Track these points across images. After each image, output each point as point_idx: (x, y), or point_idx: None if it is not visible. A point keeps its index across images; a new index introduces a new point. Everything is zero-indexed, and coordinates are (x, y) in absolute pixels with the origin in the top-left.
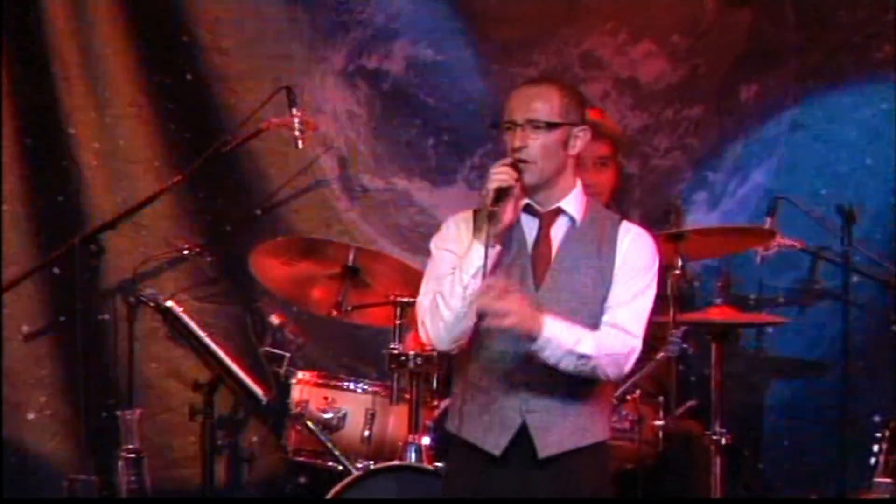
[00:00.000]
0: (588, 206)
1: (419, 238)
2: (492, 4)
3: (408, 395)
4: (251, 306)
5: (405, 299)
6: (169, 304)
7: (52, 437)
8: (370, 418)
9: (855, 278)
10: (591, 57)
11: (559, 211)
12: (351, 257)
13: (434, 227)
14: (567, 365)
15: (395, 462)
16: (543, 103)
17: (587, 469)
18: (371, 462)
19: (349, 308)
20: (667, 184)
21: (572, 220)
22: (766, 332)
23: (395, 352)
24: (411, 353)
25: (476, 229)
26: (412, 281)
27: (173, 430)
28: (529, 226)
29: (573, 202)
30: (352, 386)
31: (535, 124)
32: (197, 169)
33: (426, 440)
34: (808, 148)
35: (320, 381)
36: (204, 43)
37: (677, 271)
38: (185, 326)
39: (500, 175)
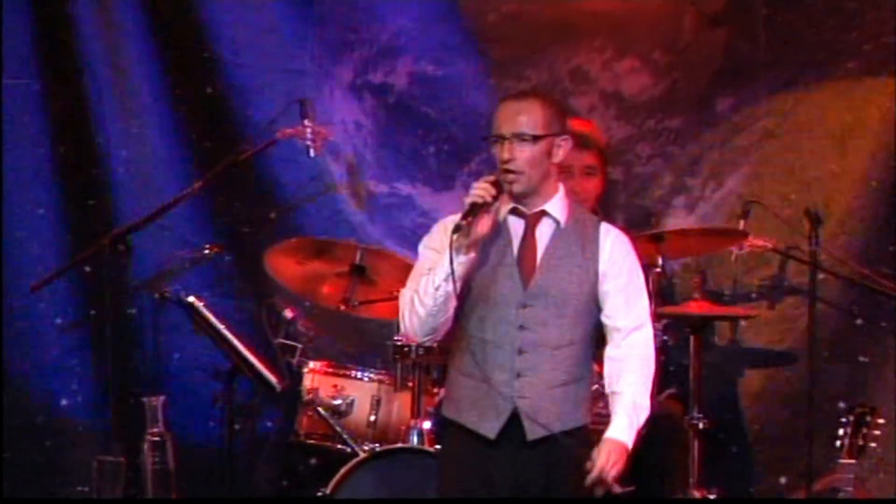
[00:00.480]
0: (570, 208)
1: (420, 239)
2: (488, 24)
3: (410, 383)
4: (266, 301)
5: None
6: (191, 299)
7: (83, 421)
8: (376, 404)
9: (821, 276)
10: (580, 72)
11: (544, 213)
12: (358, 256)
13: None
14: None
15: (399, 445)
16: (528, 117)
17: (570, 450)
18: (377, 445)
19: (356, 303)
20: (648, 189)
21: (556, 221)
22: (740, 324)
23: (399, 343)
24: (413, 344)
25: (451, 238)
26: None
27: (195, 415)
28: (516, 227)
29: (557, 205)
30: (359, 375)
31: (521, 137)
32: (216, 175)
33: (427, 424)
34: (778, 156)
35: (330, 371)
36: (223, 59)
37: (658, 269)
38: (206, 320)
39: (477, 191)
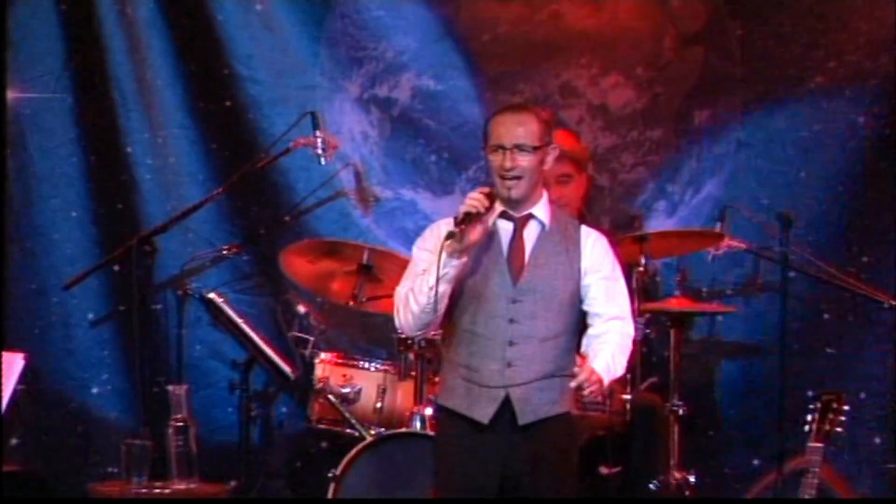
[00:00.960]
0: (553, 212)
1: None
2: (484, 43)
3: (413, 373)
4: (281, 297)
5: None
6: (211, 295)
7: (113, 407)
8: (381, 392)
9: (792, 274)
10: (568, 87)
11: (531, 216)
12: (365, 256)
13: None
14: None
15: (403, 429)
16: (526, 129)
17: (557, 433)
18: (382, 429)
19: (364, 299)
20: (632, 194)
21: (542, 224)
22: (717, 319)
23: (402, 336)
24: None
25: (445, 242)
26: None
27: (215, 402)
28: (505, 229)
29: (542, 209)
30: (366, 365)
31: (521, 148)
32: (235, 182)
33: (429, 411)
34: (751, 164)
35: (339, 361)
36: (241, 75)
37: (641, 268)
38: (225, 314)
39: (471, 201)
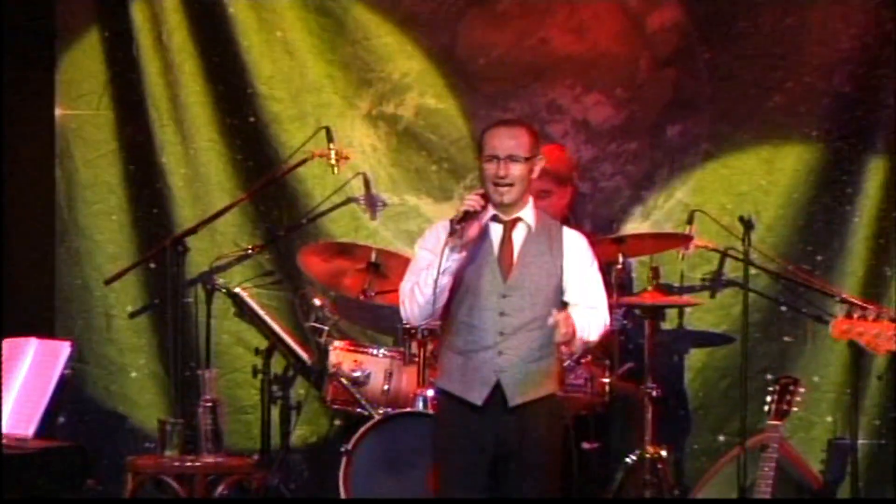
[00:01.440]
0: (539, 216)
1: None
2: (480, 66)
3: (416, 358)
4: (298, 292)
5: None
6: (237, 290)
7: (149, 389)
8: (388, 376)
9: (753, 271)
10: (555, 105)
11: (518, 220)
12: (373, 255)
13: None
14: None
15: (408, 409)
16: (518, 142)
17: (543, 414)
18: (389, 409)
19: (373, 293)
20: (611, 200)
21: (528, 226)
22: (686, 311)
23: (406, 326)
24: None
25: (447, 238)
26: None
27: (240, 384)
28: (496, 231)
29: (529, 213)
30: (374, 352)
31: (514, 158)
32: (257, 189)
33: (431, 392)
34: (717, 173)
35: (351, 348)
36: (263, 94)
37: (619, 266)
38: (249, 307)
39: (469, 202)
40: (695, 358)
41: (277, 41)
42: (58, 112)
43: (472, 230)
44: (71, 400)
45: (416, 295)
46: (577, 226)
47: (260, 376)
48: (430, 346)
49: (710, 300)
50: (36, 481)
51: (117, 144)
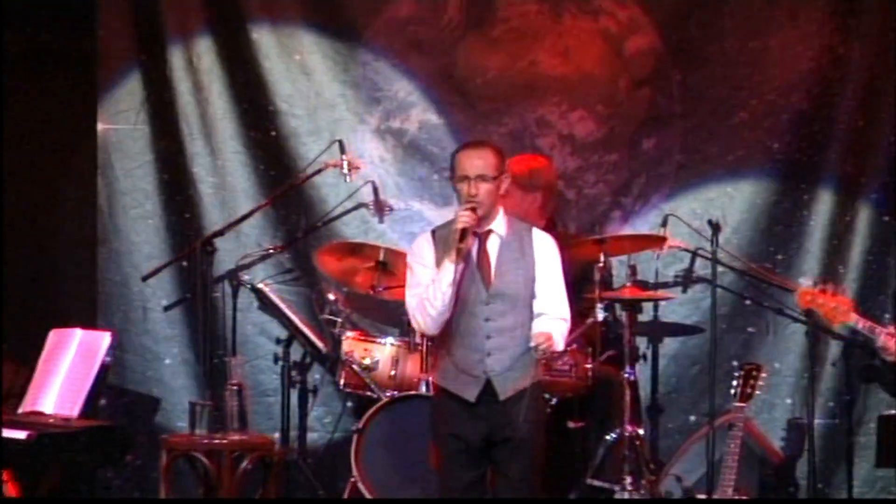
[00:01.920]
0: (508, 223)
1: None
2: (476, 85)
3: (420, 347)
4: (315, 287)
5: None
6: (260, 285)
7: (181, 375)
8: (395, 363)
9: (720, 269)
10: (543, 120)
11: (490, 231)
12: (381, 255)
13: None
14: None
15: (412, 392)
16: (485, 162)
17: (529, 401)
18: (396, 392)
19: (381, 289)
20: (593, 206)
21: (500, 237)
22: (661, 304)
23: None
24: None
25: (446, 252)
26: None
27: (262, 370)
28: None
29: (500, 224)
30: (382, 341)
31: (483, 178)
32: (278, 195)
33: (432, 378)
34: (688, 181)
35: (361, 338)
36: (283, 111)
37: (600, 264)
38: (271, 301)
39: (463, 218)
40: (668, 346)
41: (296, 63)
42: (100, 127)
43: (468, 244)
44: (111, 384)
45: (428, 308)
46: (563, 228)
47: (280, 363)
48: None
49: (682, 295)
50: (80, 457)
51: (153, 156)
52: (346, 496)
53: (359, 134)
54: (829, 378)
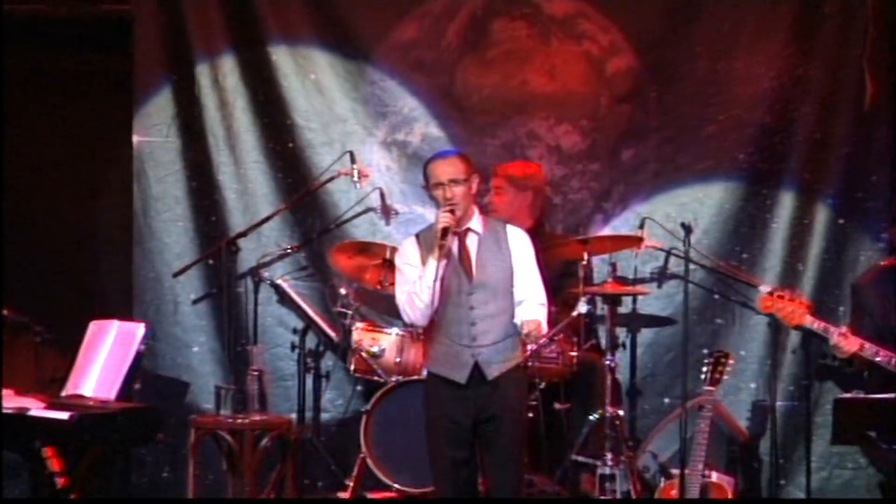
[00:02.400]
0: (483, 221)
1: None
2: (473, 101)
3: (422, 337)
4: (328, 283)
5: None
6: (278, 281)
7: (208, 361)
8: (400, 350)
9: (692, 267)
10: (533, 133)
11: (469, 229)
12: (388, 253)
13: None
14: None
15: (416, 377)
16: (455, 168)
17: (514, 381)
18: (401, 377)
19: (387, 284)
20: (578, 210)
21: (477, 233)
22: (638, 298)
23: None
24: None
25: (430, 251)
26: None
27: (281, 357)
28: (452, 241)
29: (476, 223)
30: (388, 331)
31: (455, 182)
32: (295, 201)
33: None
34: (660, 188)
35: (370, 328)
36: (299, 125)
37: (584, 262)
38: (288, 295)
39: (444, 218)
40: (645, 336)
41: (311, 82)
42: (135, 139)
43: (450, 241)
44: (145, 370)
45: (416, 301)
46: (550, 230)
47: (296, 351)
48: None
49: (657, 290)
50: (117, 435)
51: (182, 165)
52: (355, 471)
53: (367, 145)
54: (790, 364)
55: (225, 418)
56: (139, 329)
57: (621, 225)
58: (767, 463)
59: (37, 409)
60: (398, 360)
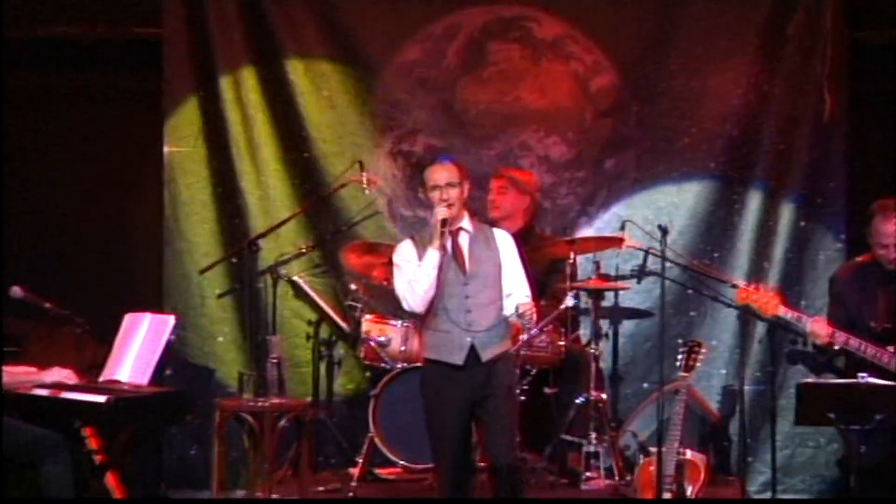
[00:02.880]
0: (473, 223)
1: None
2: (471, 115)
3: (421, 328)
4: (340, 279)
5: None
6: (295, 278)
7: (232, 350)
8: (405, 340)
9: (668, 265)
10: (525, 144)
11: (461, 229)
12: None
13: None
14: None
15: (418, 364)
16: (451, 173)
17: (504, 365)
18: (405, 364)
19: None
20: (565, 213)
21: (468, 232)
22: (620, 293)
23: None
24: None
25: (430, 242)
26: None
27: (297, 346)
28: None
29: (467, 223)
30: (395, 322)
31: (451, 184)
32: (310, 205)
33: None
34: (642, 193)
35: (378, 320)
36: (314, 136)
37: (571, 260)
38: (304, 290)
39: (442, 211)
40: (626, 327)
41: (324, 98)
42: (165, 149)
43: (447, 233)
44: (175, 357)
45: (415, 287)
46: (540, 231)
47: (311, 340)
48: None
49: (637, 285)
50: (149, 417)
51: (208, 173)
52: (364, 449)
53: (375, 155)
54: (757, 353)
55: (247, 401)
56: (170, 321)
57: (604, 227)
58: (736, 442)
59: (65, 378)
60: (403, 348)
